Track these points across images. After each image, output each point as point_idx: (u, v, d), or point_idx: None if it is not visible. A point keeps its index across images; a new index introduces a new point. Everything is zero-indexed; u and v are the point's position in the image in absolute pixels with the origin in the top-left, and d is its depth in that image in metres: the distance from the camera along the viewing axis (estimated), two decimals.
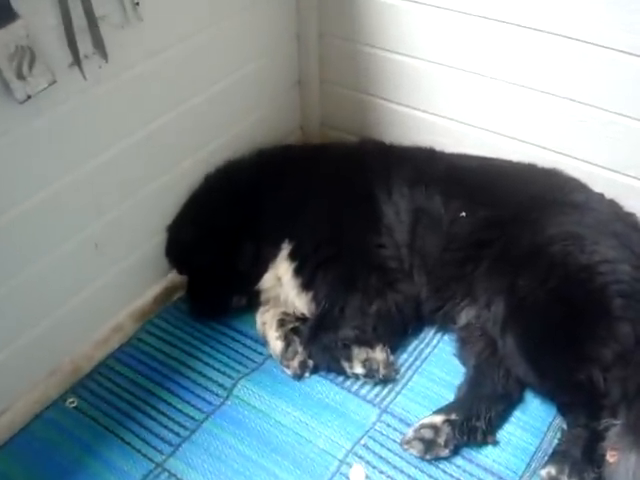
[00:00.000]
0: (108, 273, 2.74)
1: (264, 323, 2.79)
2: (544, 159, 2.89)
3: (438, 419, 2.42)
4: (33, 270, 2.44)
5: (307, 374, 2.66)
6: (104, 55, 2.38)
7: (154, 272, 2.96)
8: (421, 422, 2.44)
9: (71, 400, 2.60)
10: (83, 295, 2.67)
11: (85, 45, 2.31)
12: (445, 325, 2.77)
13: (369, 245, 2.71)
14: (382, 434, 2.48)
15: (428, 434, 2.39)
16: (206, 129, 2.94)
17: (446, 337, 2.80)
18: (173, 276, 3.02)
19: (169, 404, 2.59)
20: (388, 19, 3.03)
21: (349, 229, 2.74)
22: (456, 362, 2.70)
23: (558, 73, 2.73)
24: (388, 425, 2.50)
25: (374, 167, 2.87)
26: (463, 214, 2.70)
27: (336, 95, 3.35)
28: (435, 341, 2.79)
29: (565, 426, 2.41)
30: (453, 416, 2.42)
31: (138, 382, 2.67)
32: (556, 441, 2.42)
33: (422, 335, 2.80)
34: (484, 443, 2.44)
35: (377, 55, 3.13)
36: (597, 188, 2.76)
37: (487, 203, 2.70)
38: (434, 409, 2.51)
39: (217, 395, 2.61)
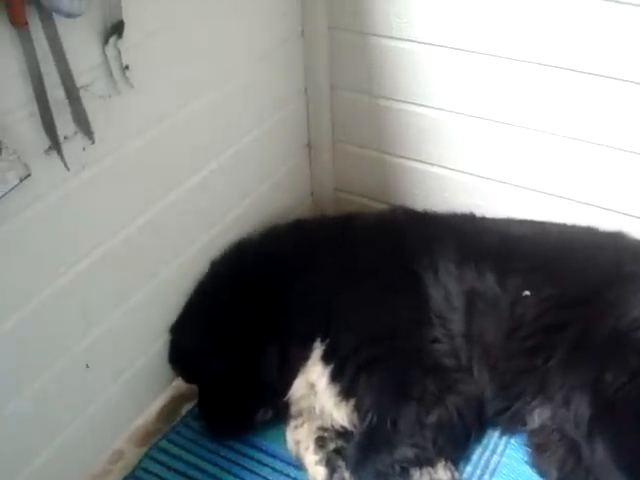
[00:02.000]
0: (102, 395, 2.25)
1: (298, 442, 2.30)
2: (604, 222, 2.49)
3: None
4: (14, 405, 1.96)
5: None
6: (89, 134, 1.93)
7: (156, 383, 2.48)
8: None
9: None
10: (74, 426, 2.18)
11: (64, 123, 1.86)
12: (512, 428, 2.32)
13: (421, 340, 2.27)
14: None
15: None
16: (208, 209, 2.49)
17: (513, 441, 2.35)
18: (179, 384, 2.53)
19: None
20: (406, 67, 2.63)
21: (395, 321, 2.30)
22: (529, 471, 2.25)
23: (617, 121, 2.35)
24: None
25: (412, 242, 2.44)
26: (527, 293, 2.28)
27: (350, 155, 2.92)
28: (501, 447, 2.33)
29: None
30: None
31: None
32: None
33: (485, 440, 2.34)
34: None
35: (395, 108, 2.72)
36: None
37: (553, 279, 2.29)
38: None
39: None
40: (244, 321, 2.34)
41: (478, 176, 2.69)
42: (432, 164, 2.75)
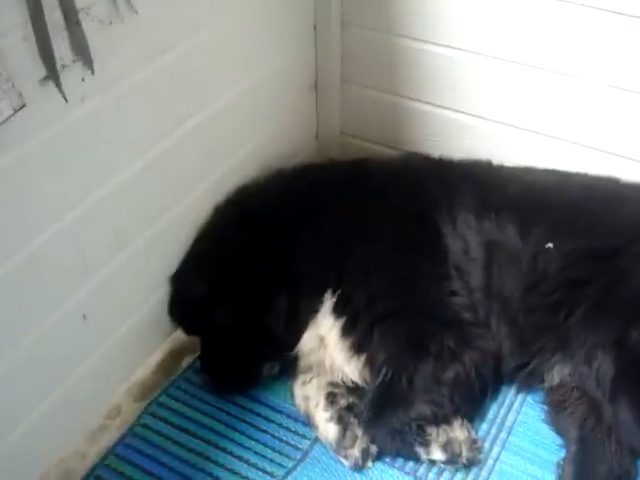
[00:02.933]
0: (99, 347, 2.12)
1: (307, 398, 2.19)
2: (627, 172, 2.37)
3: None
4: (8, 358, 1.83)
5: (369, 463, 2.08)
6: (88, 63, 1.76)
7: (155, 335, 2.35)
8: None
9: None
10: (70, 380, 2.05)
11: (62, 50, 1.69)
12: (530, 385, 2.23)
13: (438, 293, 2.15)
14: None
15: None
16: (211, 152, 2.33)
17: (530, 398, 2.26)
18: (180, 336, 2.39)
19: None
20: (421, 2, 2.45)
21: (411, 273, 2.17)
22: (546, 430, 2.17)
23: None
24: None
25: (430, 190, 2.30)
26: (549, 245, 2.16)
27: (360, 97, 2.76)
28: (518, 404, 2.25)
29: None
30: None
31: None
32: None
33: (501, 397, 2.25)
34: None
35: (409, 47, 2.56)
36: None
37: (578, 231, 2.18)
38: None
39: None
40: (250, 269, 2.19)
41: (497, 122, 2.55)
42: (448, 108, 2.60)
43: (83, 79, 1.77)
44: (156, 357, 2.36)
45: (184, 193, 2.25)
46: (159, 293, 2.27)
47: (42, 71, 1.66)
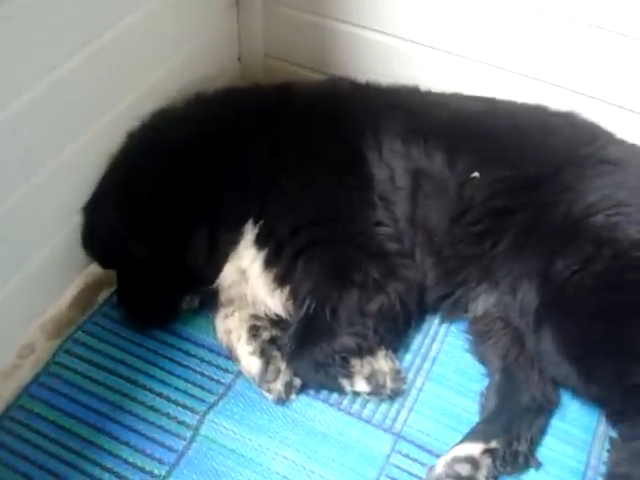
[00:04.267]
0: (6, 284, 1.99)
1: (229, 331, 2.13)
2: (554, 99, 2.32)
3: (476, 449, 1.90)
4: None
5: (293, 396, 2.05)
6: None
7: (68, 269, 2.23)
8: (454, 454, 1.91)
9: None
10: None
11: None
12: (454, 315, 2.22)
13: (363, 223, 2.09)
14: (401, 469, 1.94)
15: (465, 470, 1.87)
16: (124, 72, 2.18)
17: (454, 328, 2.26)
18: (94, 269, 2.28)
19: (114, 455, 1.92)
20: None
21: (335, 202, 2.10)
22: (470, 359, 2.18)
23: None
24: (406, 456, 1.96)
25: (355, 116, 2.21)
26: (475, 174, 2.12)
27: (284, 17, 2.62)
28: (441, 334, 2.24)
29: (615, 435, 1.97)
30: (493, 444, 1.91)
31: (66, 427, 1.98)
32: (606, 454, 1.97)
33: (425, 327, 2.24)
34: (526, 468, 1.95)
35: None
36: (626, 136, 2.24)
37: (505, 160, 2.14)
38: (455, 426, 2.01)
39: (178, 437, 1.97)
40: (167, 199, 2.07)
41: (424, 45, 2.46)
42: (375, 30, 2.50)
43: None
44: (71, 291, 2.25)
45: (94, 117, 2.10)
46: (70, 224, 2.14)
47: None
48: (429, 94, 2.33)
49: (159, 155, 2.13)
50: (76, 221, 2.15)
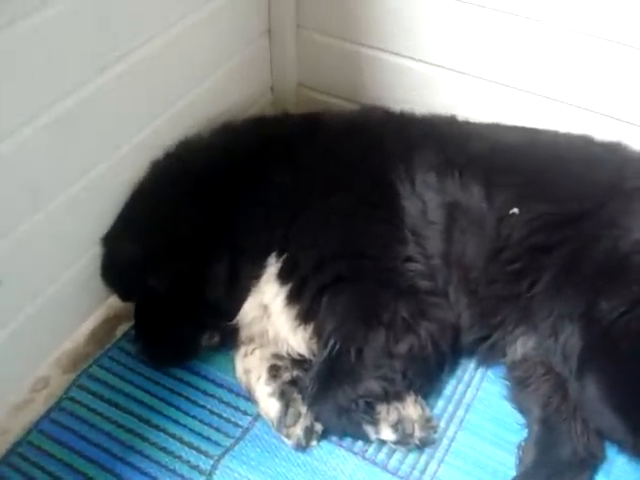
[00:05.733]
0: (19, 315, 1.92)
1: (248, 371, 2.02)
2: (601, 129, 2.19)
3: None
4: None
5: (314, 442, 1.92)
6: None
7: (86, 301, 2.16)
8: None
9: None
10: None
11: None
12: (491, 359, 2.07)
13: (393, 258, 1.96)
14: None
15: None
16: (149, 98, 2.11)
17: (490, 373, 2.10)
18: (113, 302, 2.20)
19: None
20: None
21: (363, 236, 1.98)
22: (507, 408, 2.02)
23: (620, 12, 2.03)
24: None
25: (387, 146, 2.11)
26: (515, 210, 1.99)
27: (317, 44, 2.54)
28: (477, 379, 2.09)
29: None
30: None
31: (75, 466, 1.88)
32: None
33: (460, 373, 2.10)
34: None
35: None
36: None
37: (546, 195, 2.00)
38: None
39: None
40: (189, 231, 1.99)
41: (462, 73, 2.36)
42: (410, 57, 2.41)
43: None
44: (88, 325, 2.18)
45: (117, 144, 2.03)
46: (89, 254, 2.07)
47: None
48: (466, 124, 2.22)
49: (181, 186, 2.06)
50: (95, 252, 2.08)
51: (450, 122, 2.22)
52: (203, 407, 2.01)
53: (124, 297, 2.14)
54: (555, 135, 2.19)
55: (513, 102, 2.31)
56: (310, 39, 2.53)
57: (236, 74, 2.45)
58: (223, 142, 2.17)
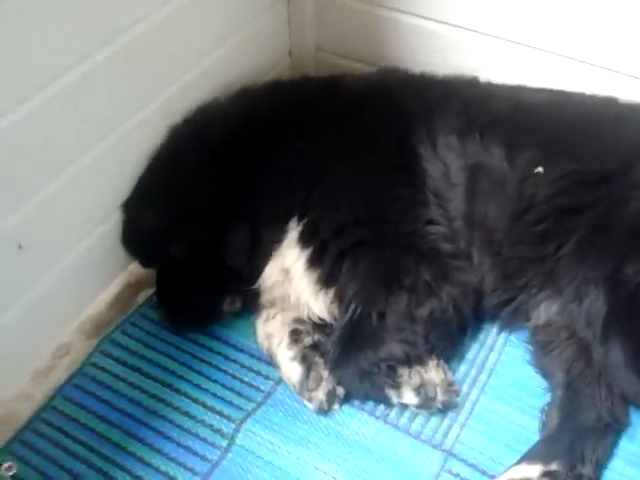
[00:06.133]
0: (39, 281, 1.93)
1: (270, 335, 2.01)
2: (626, 90, 2.13)
3: (534, 472, 1.73)
4: None
5: (336, 406, 1.92)
6: None
7: (107, 267, 2.16)
8: (509, 476, 1.74)
9: (7, 465, 1.74)
10: (10, 315, 1.86)
11: None
12: (514, 323, 2.04)
13: (414, 221, 1.94)
14: None
15: None
16: (165, 63, 2.09)
17: (513, 337, 2.08)
18: (135, 268, 2.20)
19: (145, 463, 1.82)
20: None
21: (385, 199, 1.96)
22: (530, 372, 2.00)
23: None
24: (457, 475, 1.79)
25: (408, 109, 2.07)
26: (539, 169, 1.95)
27: (336, 6, 2.49)
28: (500, 343, 2.07)
29: None
30: (554, 466, 1.73)
31: (98, 430, 1.90)
32: None
33: (482, 337, 2.07)
34: None
35: None
36: None
37: (571, 154, 1.95)
38: (512, 444, 1.84)
39: (213, 446, 1.85)
40: (209, 195, 1.98)
41: (484, 34, 2.30)
42: (431, 19, 2.35)
43: None
44: (111, 291, 2.18)
45: (134, 110, 2.02)
46: (110, 221, 2.07)
47: None
48: (489, 85, 2.18)
49: (200, 151, 2.04)
50: (116, 218, 2.08)
51: (472, 83, 2.17)
52: (225, 372, 2.01)
53: (145, 264, 2.14)
54: (581, 96, 2.13)
55: (538, 64, 2.26)
56: (330, 1, 2.48)
57: (253, 38, 2.41)
58: (241, 107, 2.14)
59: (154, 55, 2.02)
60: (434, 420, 1.89)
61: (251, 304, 2.08)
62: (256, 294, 2.05)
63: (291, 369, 1.93)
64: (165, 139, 2.11)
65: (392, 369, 1.86)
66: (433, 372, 1.89)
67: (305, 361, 1.92)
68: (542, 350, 1.99)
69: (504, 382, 1.98)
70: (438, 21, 2.34)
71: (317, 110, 2.08)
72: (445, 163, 2.00)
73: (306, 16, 2.51)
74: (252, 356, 2.05)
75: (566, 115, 2.05)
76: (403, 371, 1.86)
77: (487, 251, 1.97)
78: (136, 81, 1.99)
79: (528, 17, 2.21)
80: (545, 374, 1.97)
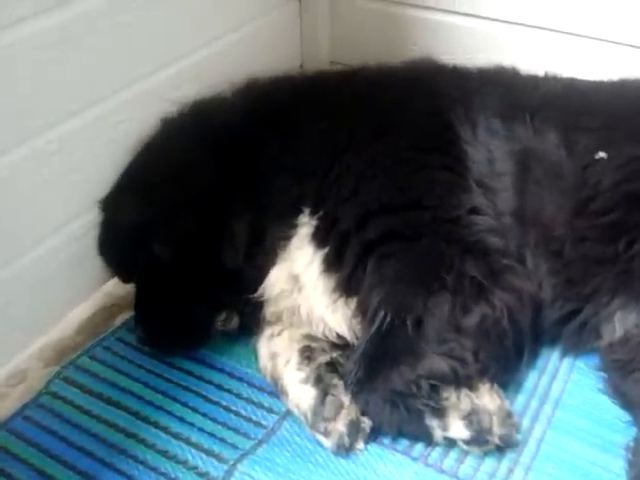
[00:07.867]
0: None
1: (275, 355, 1.60)
2: None
3: None
4: None
5: (360, 444, 1.48)
6: None
7: (79, 285, 1.80)
8: None
9: None
10: None
11: None
12: (581, 344, 1.64)
13: (455, 208, 1.58)
14: None
15: None
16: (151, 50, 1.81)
17: (579, 363, 1.67)
18: (113, 288, 1.84)
19: None
20: None
21: (418, 183, 1.60)
22: (605, 402, 1.58)
23: None
24: None
25: (444, 91, 1.77)
26: (602, 155, 1.62)
27: (352, 9, 2.24)
28: (564, 370, 1.65)
29: None
30: None
31: (49, 474, 1.45)
32: None
33: (541, 362, 1.66)
34: None
35: None
36: None
37: (635, 138, 1.63)
38: None
39: None
40: (200, 183, 1.64)
41: (519, 23, 2.07)
42: (462, 14, 2.12)
43: None
44: (81, 312, 1.80)
45: (114, 90, 1.73)
46: (81, 221, 1.72)
47: None
48: (532, 75, 1.88)
49: (197, 137, 1.74)
50: (88, 220, 1.73)
51: (513, 72, 1.89)
52: (217, 403, 1.60)
53: (125, 275, 1.76)
54: (637, 80, 1.84)
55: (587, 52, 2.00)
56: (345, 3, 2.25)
57: (260, 43, 2.16)
58: (249, 94, 1.85)
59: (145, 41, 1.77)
60: (489, 462, 1.46)
61: (251, 320, 1.68)
62: (258, 306, 1.66)
63: (302, 393, 1.51)
64: (156, 130, 1.80)
65: (434, 389, 1.43)
66: (487, 397, 1.46)
67: (320, 383, 1.50)
68: (620, 373, 1.57)
69: (574, 415, 1.56)
70: (467, 14, 2.10)
71: (335, 92, 1.81)
72: (488, 149, 1.67)
73: (319, 19, 2.27)
74: (252, 385, 1.64)
75: (627, 94, 1.76)
76: (449, 392, 1.44)
77: (544, 252, 1.62)
78: (123, 60, 1.73)
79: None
80: (626, 403, 1.56)
